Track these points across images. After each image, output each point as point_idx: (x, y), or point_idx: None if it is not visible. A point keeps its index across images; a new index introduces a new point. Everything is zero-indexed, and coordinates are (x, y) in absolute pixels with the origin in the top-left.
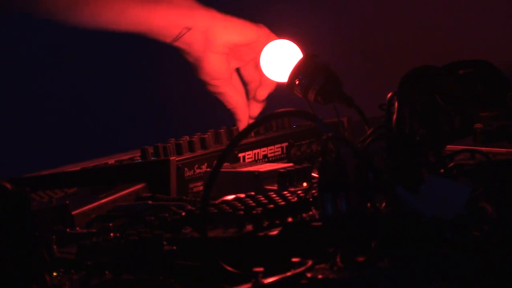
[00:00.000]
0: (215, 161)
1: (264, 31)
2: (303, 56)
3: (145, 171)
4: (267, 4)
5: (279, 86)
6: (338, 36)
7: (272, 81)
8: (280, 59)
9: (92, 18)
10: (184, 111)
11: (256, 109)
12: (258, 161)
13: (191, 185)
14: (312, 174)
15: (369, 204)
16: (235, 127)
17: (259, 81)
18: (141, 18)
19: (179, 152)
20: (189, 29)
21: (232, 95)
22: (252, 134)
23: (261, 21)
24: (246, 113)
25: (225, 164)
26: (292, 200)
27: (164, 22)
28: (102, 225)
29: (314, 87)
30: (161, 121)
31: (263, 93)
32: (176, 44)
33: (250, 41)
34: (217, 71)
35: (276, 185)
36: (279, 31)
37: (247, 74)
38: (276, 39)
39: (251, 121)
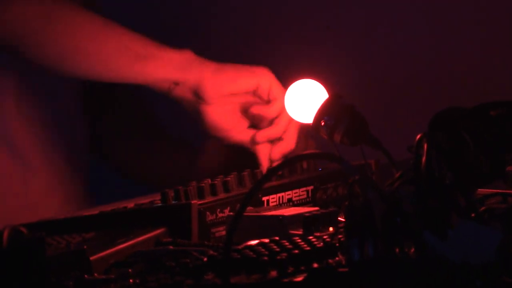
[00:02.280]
0: (238, 205)
1: (264, 74)
2: (329, 97)
3: (165, 215)
4: (292, 44)
5: (305, 128)
6: (365, 77)
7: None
8: (305, 99)
9: (84, 71)
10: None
11: (278, 151)
12: (283, 204)
13: (213, 230)
14: (339, 218)
15: (397, 250)
16: (259, 170)
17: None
18: (133, 72)
19: (200, 195)
20: (177, 84)
21: (248, 141)
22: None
23: (286, 61)
24: (267, 154)
25: (249, 208)
26: (318, 245)
27: (154, 78)
28: (121, 271)
29: (340, 128)
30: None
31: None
32: (172, 97)
33: (247, 88)
34: (219, 123)
35: (301, 229)
36: (304, 71)
37: (254, 118)
38: (276, 81)
39: (275, 163)
